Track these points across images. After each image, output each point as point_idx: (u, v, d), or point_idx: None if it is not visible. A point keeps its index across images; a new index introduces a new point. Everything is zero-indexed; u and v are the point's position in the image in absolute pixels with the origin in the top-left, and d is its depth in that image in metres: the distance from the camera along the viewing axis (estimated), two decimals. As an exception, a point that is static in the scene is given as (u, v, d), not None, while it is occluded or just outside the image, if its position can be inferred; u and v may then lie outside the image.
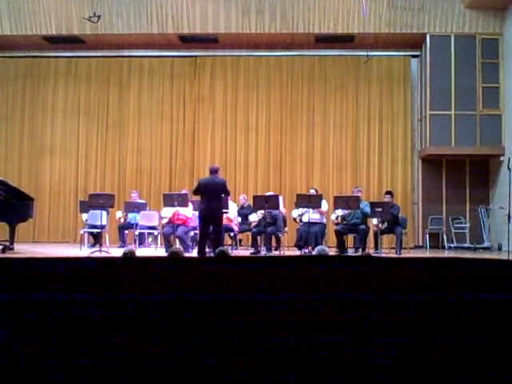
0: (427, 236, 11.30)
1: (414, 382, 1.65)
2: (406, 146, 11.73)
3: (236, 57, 12.15)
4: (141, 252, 9.21)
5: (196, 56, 12.22)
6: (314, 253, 8.07)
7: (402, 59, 11.95)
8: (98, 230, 9.63)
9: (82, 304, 2.66)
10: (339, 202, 9.27)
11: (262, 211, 9.20)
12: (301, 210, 9.53)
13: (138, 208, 10.27)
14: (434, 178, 11.67)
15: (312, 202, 9.09)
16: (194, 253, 9.09)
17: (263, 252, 9.29)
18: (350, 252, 9.63)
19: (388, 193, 10.10)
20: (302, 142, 11.88)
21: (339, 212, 9.53)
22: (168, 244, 9.32)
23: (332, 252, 9.75)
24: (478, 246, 10.98)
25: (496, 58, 11.07)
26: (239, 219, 9.89)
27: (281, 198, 9.65)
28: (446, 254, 10.29)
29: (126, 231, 10.60)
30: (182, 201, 9.08)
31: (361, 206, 9.39)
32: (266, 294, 2.81)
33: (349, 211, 9.42)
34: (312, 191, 9.86)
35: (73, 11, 11.31)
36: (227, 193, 8.54)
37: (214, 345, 1.98)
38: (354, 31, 11.16)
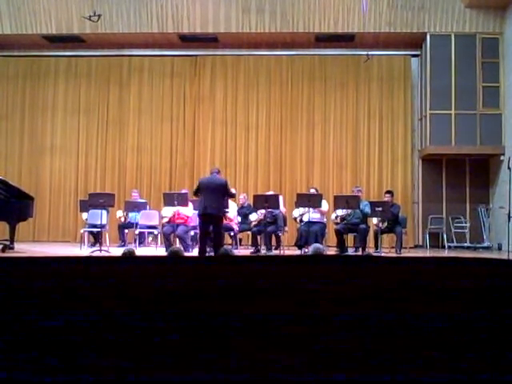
0: (427, 235, 11.30)
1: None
2: (406, 146, 11.73)
3: (236, 56, 12.15)
4: (141, 251, 9.21)
5: (196, 55, 12.22)
6: (309, 251, 8.08)
7: (402, 58, 11.95)
8: (98, 230, 9.63)
9: (81, 303, 2.66)
10: (339, 201, 9.26)
11: (263, 211, 9.20)
12: (301, 210, 9.53)
13: (138, 207, 10.26)
14: (434, 178, 11.67)
15: (312, 201, 9.08)
16: (195, 252, 9.10)
17: (263, 251, 9.29)
18: (350, 251, 9.63)
19: (388, 192, 10.10)
20: (302, 140, 11.88)
21: (339, 212, 9.53)
22: (168, 243, 9.32)
23: (332, 251, 9.76)
24: (478, 245, 10.98)
25: (496, 58, 11.06)
26: (239, 218, 9.90)
27: (281, 198, 9.64)
28: (446, 253, 10.28)
29: (126, 230, 10.60)
30: (182, 200, 9.08)
31: (361, 205, 9.38)
32: (266, 293, 2.81)
33: (349, 211, 9.41)
34: (312, 190, 9.86)
35: (73, 10, 11.31)
36: (231, 194, 8.47)
37: (215, 345, 1.98)
38: (354, 30, 11.16)
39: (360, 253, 9.25)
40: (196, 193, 8.31)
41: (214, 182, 8.14)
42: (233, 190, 8.77)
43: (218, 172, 8.48)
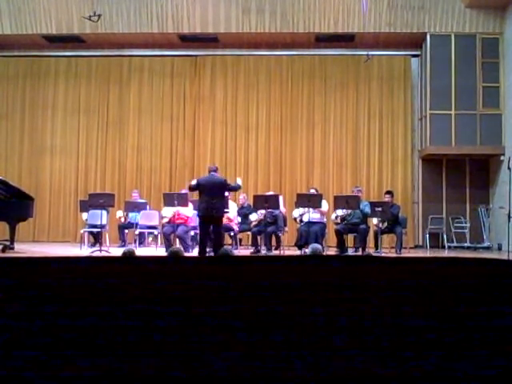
0: (427, 235, 11.29)
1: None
2: (406, 146, 11.73)
3: (236, 56, 12.14)
4: (141, 251, 9.21)
5: (196, 55, 12.22)
6: (308, 251, 8.08)
7: (403, 58, 11.94)
8: (98, 230, 9.63)
9: (82, 302, 2.66)
10: (339, 201, 9.26)
11: (263, 211, 9.20)
12: (301, 210, 9.53)
13: (138, 207, 10.27)
14: (434, 178, 11.67)
15: (312, 201, 9.08)
16: (195, 252, 9.10)
17: (263, 251, 9.29)
18: (351, 251, 9.64)
19: (388, 192, 10.10)
20: (302, 140, 11.88)
21: (339, 212, 9.53)
22: (168, 243, 9.32)
23: (332, 251, 9.75)
24: (478, 245, 10.98)
25: (496, 58, 11.06)
26: (239, 219, 9.90)
27: (281, 198, 9.64)
28: (446, 253, 10.28)
29: (126, 231, 10.60)
30: (182, 200, 9.08)
31: (361, 206, 9.38)
32: (267, 292, 2.81)
33: (349, 211, 9.41)
34: (312, 191, 9.86)
35: (73, 10, 11.31)
36: (234, 188, 8.62)
37: (216, 344, 1.98)
38: (355, 30, 11.16)
39: (360, 253, 9.25)
40: (193, 189, 8.31)
41: (213, 182, 8.14)
42: (238, 181, 8.78)
43: (216, 170, 8.45)
